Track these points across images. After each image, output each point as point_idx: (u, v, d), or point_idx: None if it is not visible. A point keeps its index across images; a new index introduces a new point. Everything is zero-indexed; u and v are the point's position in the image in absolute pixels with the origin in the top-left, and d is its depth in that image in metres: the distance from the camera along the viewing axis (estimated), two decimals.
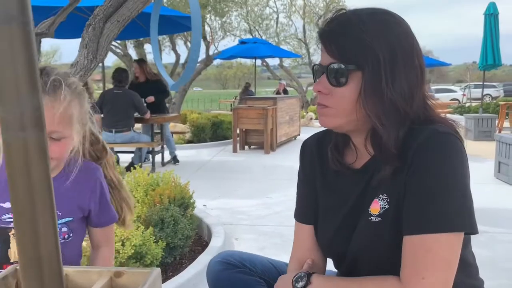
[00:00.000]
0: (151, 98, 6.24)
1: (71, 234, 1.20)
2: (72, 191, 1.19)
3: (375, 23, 0.91)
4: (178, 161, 6.72)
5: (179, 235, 2.76)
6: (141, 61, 6.86)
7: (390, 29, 0.91)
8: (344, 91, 0.92)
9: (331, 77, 0.92)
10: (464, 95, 24.02)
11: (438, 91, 23.05)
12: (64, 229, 1.19)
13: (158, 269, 0.93)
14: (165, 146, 6.65)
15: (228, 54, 12.26)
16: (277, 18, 21.12)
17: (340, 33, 0.92)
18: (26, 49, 0.43)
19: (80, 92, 1.13)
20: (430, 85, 20.56)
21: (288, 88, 15.37)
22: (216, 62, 14.39)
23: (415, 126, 0.91)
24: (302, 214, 1.14)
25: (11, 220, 1.11)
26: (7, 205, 1.11)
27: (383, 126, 0.90)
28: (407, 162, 0.88)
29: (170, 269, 2.73)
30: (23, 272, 0.48)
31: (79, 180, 1.19)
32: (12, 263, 1.13)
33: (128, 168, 4.56)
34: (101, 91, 6.33)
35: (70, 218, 1.20)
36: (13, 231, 1.11)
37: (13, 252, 1.12)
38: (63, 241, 1.17)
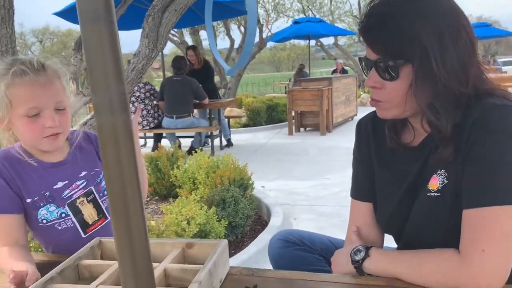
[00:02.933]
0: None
1: None
2: (85, 155, 1.33)
3: (414, 9, 0.88)
4: (232, 144, 6.87)
5: (239, 214, 2.87)
6: (196, 48, 7.00)
7: (431, 12, 0.88)
8: (396, 84, 0.91)
9: (381, 72, 0.92)
10: None
11: (506, 63, 21.47)
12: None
13: (226, 241, 1.01)
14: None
15: (282, 36, 12.17)
16: None
17: (380, 28, 0.89)
18: (112, 44, 0.50)
19: (64, 71, 1.26)
20: (497, 57, 19.20)
21: (344, 67, 15.03)
22: (269, 44, 14.35)
23: (472, 101, 0.90)
24: (359, 191, 1.16)
25: (71, 193, 1.26)
26: (59, 184, 1.24)
27: (437, 115, 0.89)
28: (464, 137, 0.88)
29: (232, 247, 2.85)
30: (117, 241, 0.55)
31: (83, 146, 1.35)
32: (91, 225, 1.28)
33: (189, 152, 4.75)
34: (160, 79, 6.58)
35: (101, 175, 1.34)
36: (78, 201, 1.26)
37: (87, 215, 1.28)
38: (105, 197, 1.31)
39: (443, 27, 0.87)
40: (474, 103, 0.89)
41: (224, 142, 6.89)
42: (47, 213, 1.23)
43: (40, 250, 2.23)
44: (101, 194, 1.31)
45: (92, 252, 1.05)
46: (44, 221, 1.23)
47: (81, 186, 1.28)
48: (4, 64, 1.18)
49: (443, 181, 0.93)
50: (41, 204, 1.22)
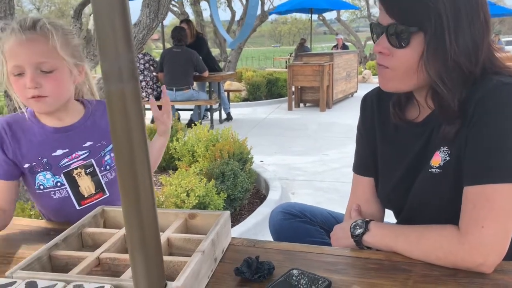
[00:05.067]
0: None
1: None
2: (96, 126, 1.30)
3: None
4: (231, 118, 6.87)
5: (238, 187, 2.89)
6: (190, 22, 6.89)
7: None
8: (405, 52, 0.90)
9: (392, 38, 0.91)
10: None
11: (509, 43, 21.26)
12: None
13: (228, 212, 1.02)
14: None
15: (284, 8, 11.96)
16: None
17: None
18: (122, 14, 0.49)
19: (65, 31, 1.20)
20: (500, 37, 18.99)
21: (345, 43, 14.86)
22: (271, 18, 14.12)
23: (478, 78, 0.89)
24: (361, 166, 1.17)
25: (70, 163, 1.24)
26: (59, 152, 1.22)
27: (446, 88, 0.89)
28: (469, 114, 0.88)
29: (231, 219, 2.88)
30: (125, 208, 0.55)
31: (97, 116, 1.31)
32: (87, 198, 1.26)
33: (189, 125, 4.74)
34: (159, 51, 6.53)
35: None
36: (75, 172, 1.24)
37: (84, 188, 1.25)
38: (107, 172, 1.29)
39: (461, 3, 0.86)
40: (480, 81, 0.89)
41: (224, 116, 6.87)
42: (44, 179, 1.22)
43: (40, 218, 2.26)
44: (102, 168, 1.28)
45: (95, 220, 1.06)
46: (42, 187, 1.22)
47: (81, 157, 1.25)
48: (8, 20, 1.17)
49: (445, 157, 0.94)
50: (38, 170, 1.21)
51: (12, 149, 1.19)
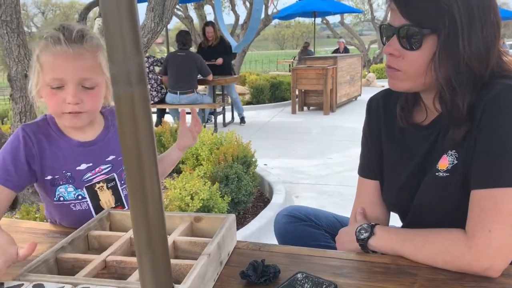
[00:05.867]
0: (220, 60, 6.39)
1: None
2: (117, 138, 1.25)
3: None
4: (244, 122, 6.94)
5: (242, 191, 2.89)
6: (215, 24, 6.93)
7: None
8: (417, 55, 0.90)
9: (404, 40, 0.90)
10: None
11: None
12: None
13: (233, 215, 1.02)
14: (227, 107, 6.82)
15: (287, 13, 12.00)
16: None
17: None
18: (130, 16, 0.49)
19: (102, 44, 1.16)
20: (505, 40, 18.93)
21: (349, 47, 14.87)
22: (274, 22, 14.16)
23: (486, 82, 0.89)
24: (367, 169, 1.16)
25: (93, 177, 1.21)
26: (83, 166, 1.19)
27: (454, 91, 0.89)
28: (477, 118, 0.88)
29: None
30: (133, 211, 0.56)
31: (114, 122, 1.27)
32: None
33: None
34: (162, 54, 6.60)
35: None
36: (98, 186, 1.23)
37: (104, 201, 1.24)
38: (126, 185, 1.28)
39: (475, 6, 0.86)
40: (488, 84, 0.89)
41: (237, 119, 6.95)
42: (65, 192, 1.20)
43: (45, 220, 2.26)
44: (122, 182, 1.26)
45: (101, 223, 1.06)
46: (61, 199, 1.20)
47: (104, 171, 1.23)
48: (49, 27, 1.12)
49: (453, 161, 0.93)
50: (60, 183, 1.18)
51: (37, 159, 1.15)
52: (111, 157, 1.25)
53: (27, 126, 1.18)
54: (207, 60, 6.23)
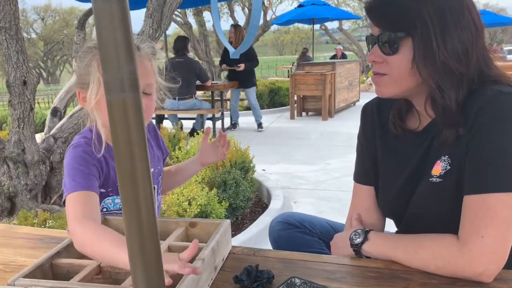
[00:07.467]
0: (242, 66, 6.24)
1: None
2: (152, 150, 1.30)
3: None
4: (262, 128, 6.80)
5: (240, 196, 2.89)
6: (238, 26, 6.72)
7: None
8: (397, 58, 0.94)
9: (384, 46, 0.95)
10: None
11: (511, 52, 21.27)
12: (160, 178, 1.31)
13: (228, 221, 1.02)
14: (225, 113, 6.82)
15: (286, 19, 12.07)
16: None
17: (384, 3, 0.94)
18: (123, 24, 0.50)
19: (156, 55, 1.17)
20: (503, 46, 19.01)
21: (347, 52, 14.92)
22: (273, 27, 14.22)
23: (476, 86, 0.91)
24: (362, 175, 1.17)
25: None
26: (118, 200, 1.15)
27: (441, 90, 0.91)
28: (468, 123, 0.89)
29: (232, 228, 2.88)
30: (125, 216, 0.56)
31: (149, 139, 1.29)
32: None
33: (191, 134, 4.76)
34: (161, 60, 6.59)
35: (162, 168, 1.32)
36: None
37: None
38: (157, 196, 1.29)
39: (446, 7, 0.90)
40: (479, 89, 0.90)
41: (227, 124, 6.91)
42: (112, 203, 1.20)
43: (43, 226, 2.27)
44: (159, 191, 1.29)
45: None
46: (105, 209, 1.19)
47: None
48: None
49: (446, 166, 0.94)
50: (110, 194, 1.18)
51: (101, 175, 1.13)
52: (151, 169, 1.25)
53: (86, 146, 1.12)
54: (230, 65, 6.12)
